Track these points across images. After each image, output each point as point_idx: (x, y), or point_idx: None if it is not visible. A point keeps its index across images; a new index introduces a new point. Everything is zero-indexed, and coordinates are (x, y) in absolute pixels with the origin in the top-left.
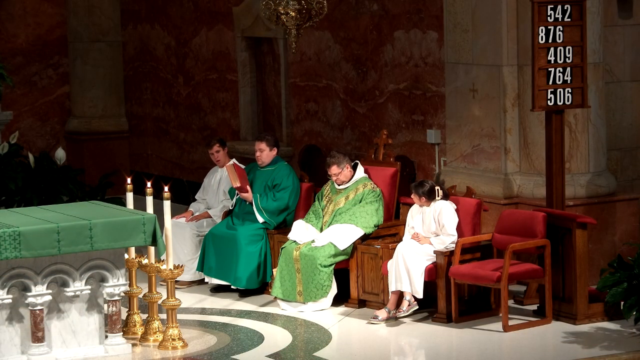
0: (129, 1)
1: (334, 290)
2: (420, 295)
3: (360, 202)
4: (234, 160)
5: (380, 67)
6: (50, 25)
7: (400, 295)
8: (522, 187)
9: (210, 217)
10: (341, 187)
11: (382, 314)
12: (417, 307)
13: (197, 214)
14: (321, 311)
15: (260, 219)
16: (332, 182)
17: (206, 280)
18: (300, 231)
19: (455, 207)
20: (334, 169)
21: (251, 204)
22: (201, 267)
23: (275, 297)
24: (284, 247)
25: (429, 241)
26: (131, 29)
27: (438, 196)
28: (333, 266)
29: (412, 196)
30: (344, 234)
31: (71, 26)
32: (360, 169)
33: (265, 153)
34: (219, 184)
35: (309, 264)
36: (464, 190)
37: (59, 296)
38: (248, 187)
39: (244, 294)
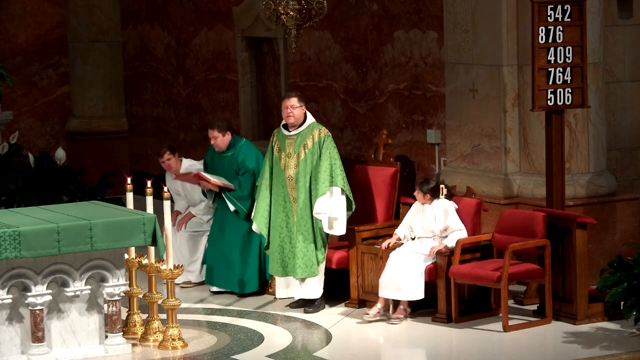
0: (129, 1)
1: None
2: (422, 296)
3: (320, 153)
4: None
5: (380, 67)
6: (50, 25)
7: (390, 300)
8: (522, 187)
9: (194, 216)
10: (293, 132)
11: (374, 310)
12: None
13: (182, 213)
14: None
15: (232, 207)
16: (279, 132)
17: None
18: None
19: (457, 207)
20: (294, 101)
21: (219, 193)
22: (209, 280)
23: (274, 296)
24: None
25: (444, 245)
26: (131, 29)
27: (442, 194)
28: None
29: (416, 193)
30: (336, 220)
31: (71, 26)
32: (309, 114)
33: (219, 139)
34: (189, 185)
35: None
36: (464, 190)
37: (59, 296)
38: (207, 177)
39: (243, 294)
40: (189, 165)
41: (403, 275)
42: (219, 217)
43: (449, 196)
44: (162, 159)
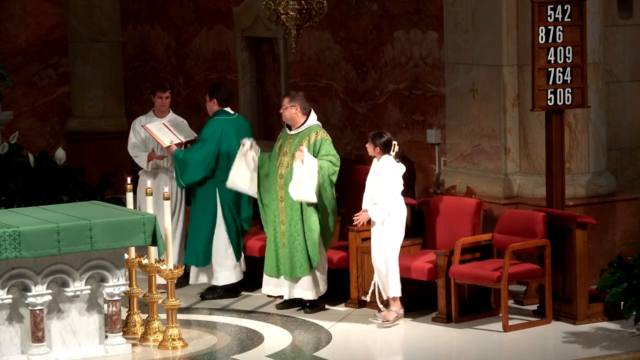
0: (129, 1)
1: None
2: (391, 294)
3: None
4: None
5: (380, 67)
6: (50, 25)
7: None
8: (522, 187)
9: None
10: (293, 132)
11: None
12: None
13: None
14: (302, 291)
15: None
16: (284, 131)
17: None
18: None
19: (404, 170)
20: (285, 102)
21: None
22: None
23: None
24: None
25: (367, 215)
26: (131, 29)
27: (392, 151)
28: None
29: (368, 145)
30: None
31: (71, 26)
32: (313, 116)
33: (207, 105)
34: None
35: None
36: (464, 190)
37: (59, 296)
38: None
39: (241, 290)
40: (173, 117)
41: (379, 275)
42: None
43: (399, 155)
44: (164, 94)
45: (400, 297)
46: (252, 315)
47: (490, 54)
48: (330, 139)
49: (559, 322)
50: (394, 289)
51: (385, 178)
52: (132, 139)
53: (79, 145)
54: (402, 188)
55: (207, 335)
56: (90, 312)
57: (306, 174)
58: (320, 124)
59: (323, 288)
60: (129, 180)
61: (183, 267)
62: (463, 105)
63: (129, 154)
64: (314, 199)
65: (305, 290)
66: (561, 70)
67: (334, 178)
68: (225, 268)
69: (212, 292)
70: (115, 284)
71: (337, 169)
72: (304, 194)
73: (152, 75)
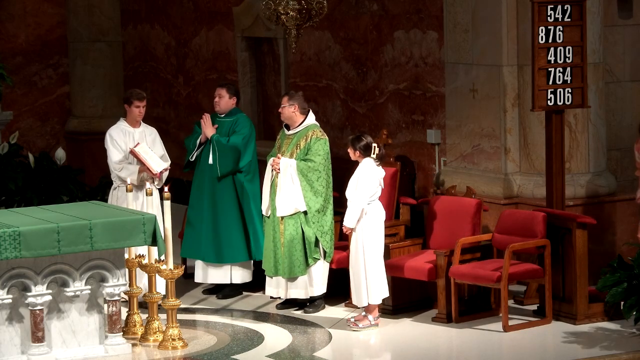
0: (129, 1)
1: (319, 272)
2: (371, 301)
3: (307, 153)
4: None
5: (380, 67)
6: (50, 25)
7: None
8: (522, 187)
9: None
10: (291, 132)
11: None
12: (375, 325)
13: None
14: (298, 291)
15: (210, 160)
16: (282, 131)
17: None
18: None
19: (384, 174)
20: (284, 100)
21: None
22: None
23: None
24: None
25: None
26: (131, 29)
27: (373, 154)
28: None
29: (348, 150)
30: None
31: (71, 26)
32: (311, 116)
33: (224, 100)
34: (154, 143)
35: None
36: (464, 190)
37: (59, 296)
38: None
39: (240, 290)
40: (146, 129)
41: (354, 281)
42: (198, 180)
43: (380, 157)
44: (142, 103)
45: (378, 306)
46: (252, 315)
47: (490, 54)
48: (326, 138)
49: (559, 322)
50: (373, 296)
51: (356, 181)
52: (115, 153)
53: (79, 145)
54: (378, 193)
55: (207, 335)
56: (90, 312)
57: (288, 185)
58: (318, 124)
59: (323, 287)
60: (129, 180)
61: (183, 267)
62: (463, 105)
63: (111, 170)
64: (303, 207)
65: (301, 289)
66: (561, 70)
67: (314, 176)
68: (244, 266)
69: (220, 291)
70: (115, 284)
71: (314, 164)
72: (289, 207)
73: (152, 75)
